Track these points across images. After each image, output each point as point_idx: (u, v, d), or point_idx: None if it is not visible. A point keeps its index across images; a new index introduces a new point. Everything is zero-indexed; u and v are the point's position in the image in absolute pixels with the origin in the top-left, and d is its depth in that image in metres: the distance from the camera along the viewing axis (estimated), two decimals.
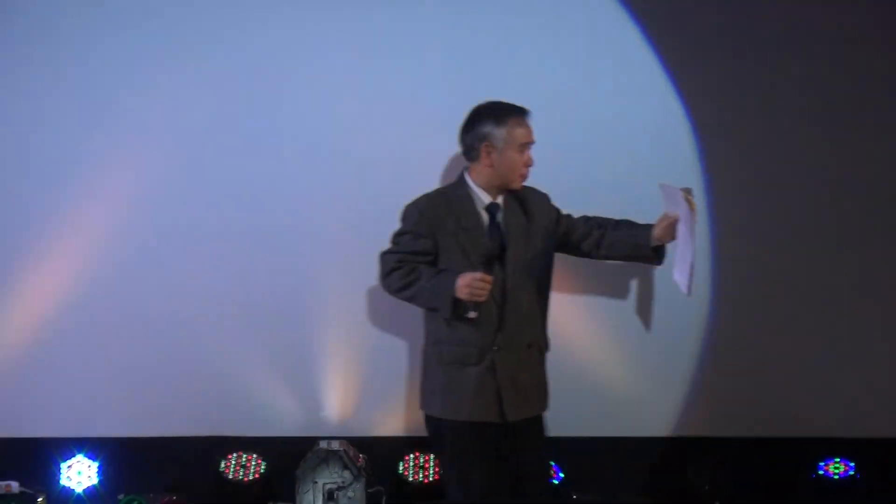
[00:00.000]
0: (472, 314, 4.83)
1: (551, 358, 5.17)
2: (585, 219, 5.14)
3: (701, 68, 5.86)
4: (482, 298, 4.75)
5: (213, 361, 5.82)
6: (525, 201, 4.96)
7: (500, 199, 4.94)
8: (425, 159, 5.65)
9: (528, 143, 4.92)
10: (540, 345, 5.02)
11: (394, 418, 5.84)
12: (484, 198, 4.91)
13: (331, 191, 5.81)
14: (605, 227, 5.06)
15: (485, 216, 4.91)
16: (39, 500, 5.62)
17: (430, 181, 5.40)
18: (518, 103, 4.96)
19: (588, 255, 5.13)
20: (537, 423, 5.02)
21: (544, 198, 5.07)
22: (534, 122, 5.00)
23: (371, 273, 5.33)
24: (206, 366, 5.82)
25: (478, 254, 4.85)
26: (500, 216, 4.91)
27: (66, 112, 5.75)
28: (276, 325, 5.83)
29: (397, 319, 5.75)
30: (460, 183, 4.97)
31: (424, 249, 4.88)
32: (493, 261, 4.83)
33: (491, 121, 4.86)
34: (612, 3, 5.85)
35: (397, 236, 4.97)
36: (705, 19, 5.86)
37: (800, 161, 5.90)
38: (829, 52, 5.89)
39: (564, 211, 5.18)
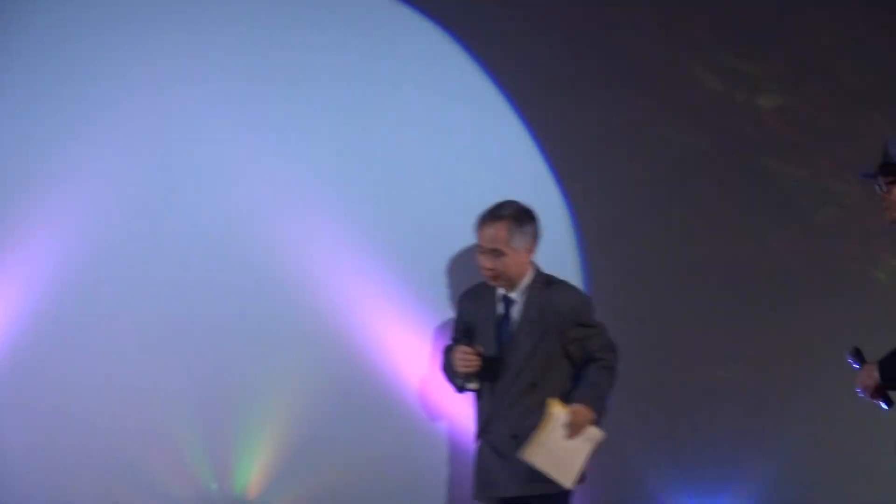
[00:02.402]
0: (470, 385, 5.20)
1: None
2: (588, 360, 5.24)
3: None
4: (471, 370, 5.10)
5: (106, 438, 5.88)
6: (547, 299, 5.19)
7: (515, 294, 5.19)
8: None
9: (479, 246, 5.21)
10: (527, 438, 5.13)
11: (289, 491, 5.96)
12: (501, 290, 5.23)
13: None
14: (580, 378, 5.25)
15: (501, 307, 5.22)
16: None
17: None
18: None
19: None
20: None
21: (568, 302, 5.20)
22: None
23: (260, 343, 5.79)
24: (99, 443, 5.87)
25: (486, 341, 5.18)
26: (513, 309, 5.20)
27: None
28: (163, 396, 5.90)
29: (292, 387, 5.96)
30: None
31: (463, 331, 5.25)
32: (471, 333, 5.17)
33: None
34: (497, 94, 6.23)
35: None
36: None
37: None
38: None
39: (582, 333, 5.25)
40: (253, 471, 5.93)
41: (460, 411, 5.82)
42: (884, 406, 4.80)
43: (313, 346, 5.95)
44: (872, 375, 4.69)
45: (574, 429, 5.01)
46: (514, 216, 5.15)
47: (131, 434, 5.88)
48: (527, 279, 5.18)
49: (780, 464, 6.19)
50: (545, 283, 5.18)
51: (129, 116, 5.92)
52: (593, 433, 5.08)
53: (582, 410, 5.03)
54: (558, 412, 5.03)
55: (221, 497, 5.92)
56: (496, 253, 5.13)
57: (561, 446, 5.02)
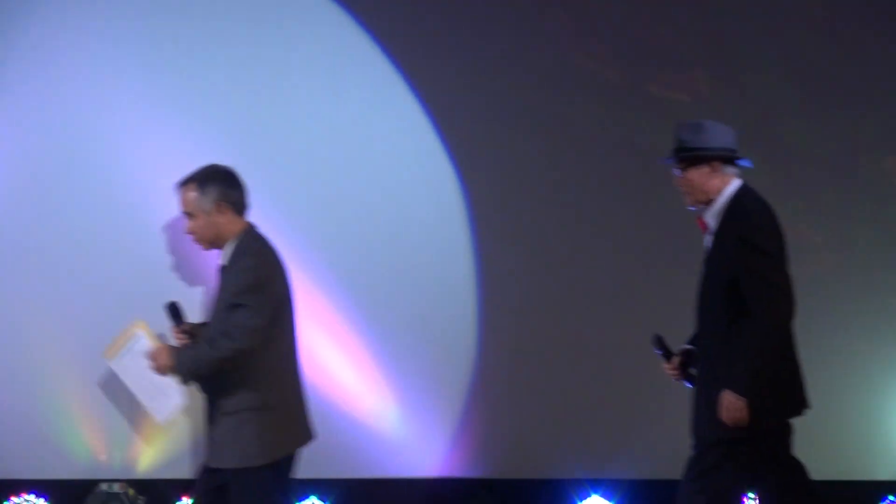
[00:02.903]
0: None
1: None
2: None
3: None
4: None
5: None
6: (230, 268, 4.95)
7: (226, 259, 4.97)
8: None
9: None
10: (219, 403, 4.88)
11: (172, 461, 6.05)
12: None
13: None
14: None
15: None
16: None
17: None
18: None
19: None
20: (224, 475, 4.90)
21: (227, 274, 4.91)
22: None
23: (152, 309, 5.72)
24: None
25: None
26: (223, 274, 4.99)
27: None
28: (59, 368, 6.00)
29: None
30: None
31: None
32: (176, 311, 5.05)
33: None
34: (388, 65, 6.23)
35: None
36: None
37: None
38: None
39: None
40: (137, 440, 6.05)
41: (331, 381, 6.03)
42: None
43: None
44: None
45: (152, 362, 4.83)
46: (197, 179, 4.94)
47: (25, 406, 5.99)
48: (231, 244, 4.95)
49: (663, 438, 6.18)
50: (239, 250, 4.92)
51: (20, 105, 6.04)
52: (175, 388, 4.97)
53: (163, 350, 4.83)
54: (139, 333, 4.99)
55: (111, 467, 6.02)
56: (189, 216, 4.96)
57: (146, 375, 4.90)
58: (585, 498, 6.20)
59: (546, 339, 6.23)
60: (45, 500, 6.00)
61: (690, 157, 4.80)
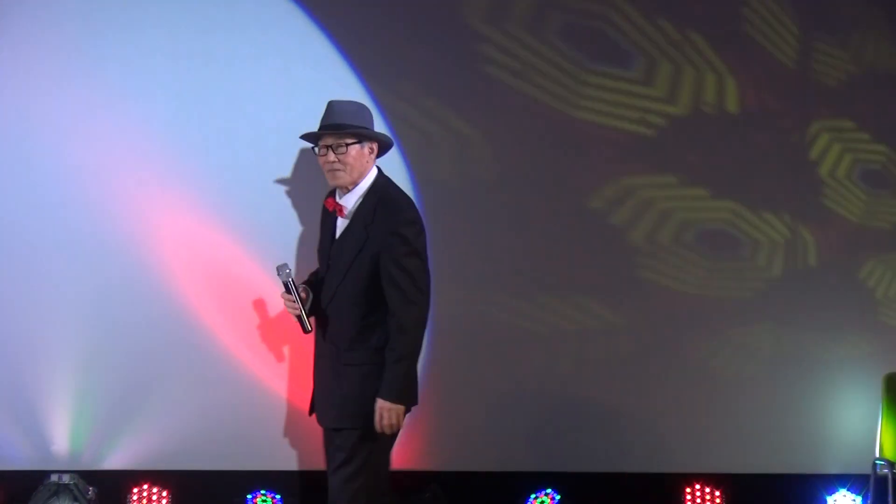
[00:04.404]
0: None
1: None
2: None
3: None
4: None
5: None
6: None
7: None
8: None
9: None
10: None
11: (123, 451, 6.04)
12: None
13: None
14: None
15: None
16: None
17: None
18: None
19: None
20: None
21: None
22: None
23: (99, 303, 5.82)
24: None
25: None
26: None
27: None
28: (8, 359, 5.97)
29: (125, 352, 6.00)
30: None
31: None
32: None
33: None
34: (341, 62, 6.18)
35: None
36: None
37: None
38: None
39: None
40: (87, 431, 6.02)
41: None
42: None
43: (137, 305, 6.01)
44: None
45: None
46: None
47: None
48: None
49: (613, 431, 6.27)
50: None
51: None
52: None
53: None
54: None
55: (61, 457, 6.01)
56: None
57: None
58: (536, 490, 6.22)
59: (496, 332, 6.22)
60: None
61: (364, 135, 4.75)
